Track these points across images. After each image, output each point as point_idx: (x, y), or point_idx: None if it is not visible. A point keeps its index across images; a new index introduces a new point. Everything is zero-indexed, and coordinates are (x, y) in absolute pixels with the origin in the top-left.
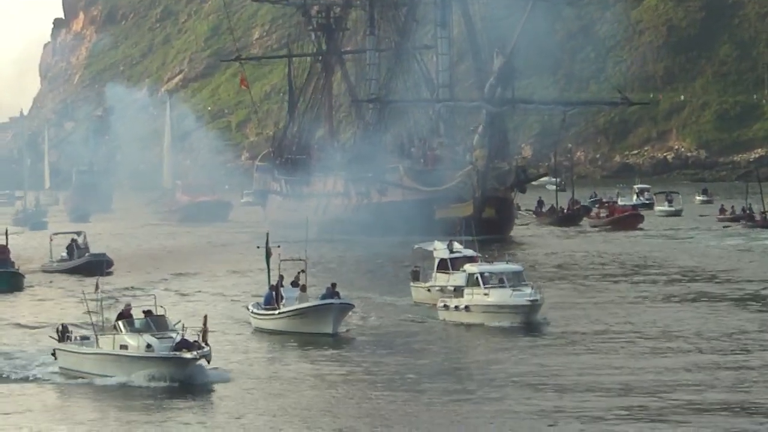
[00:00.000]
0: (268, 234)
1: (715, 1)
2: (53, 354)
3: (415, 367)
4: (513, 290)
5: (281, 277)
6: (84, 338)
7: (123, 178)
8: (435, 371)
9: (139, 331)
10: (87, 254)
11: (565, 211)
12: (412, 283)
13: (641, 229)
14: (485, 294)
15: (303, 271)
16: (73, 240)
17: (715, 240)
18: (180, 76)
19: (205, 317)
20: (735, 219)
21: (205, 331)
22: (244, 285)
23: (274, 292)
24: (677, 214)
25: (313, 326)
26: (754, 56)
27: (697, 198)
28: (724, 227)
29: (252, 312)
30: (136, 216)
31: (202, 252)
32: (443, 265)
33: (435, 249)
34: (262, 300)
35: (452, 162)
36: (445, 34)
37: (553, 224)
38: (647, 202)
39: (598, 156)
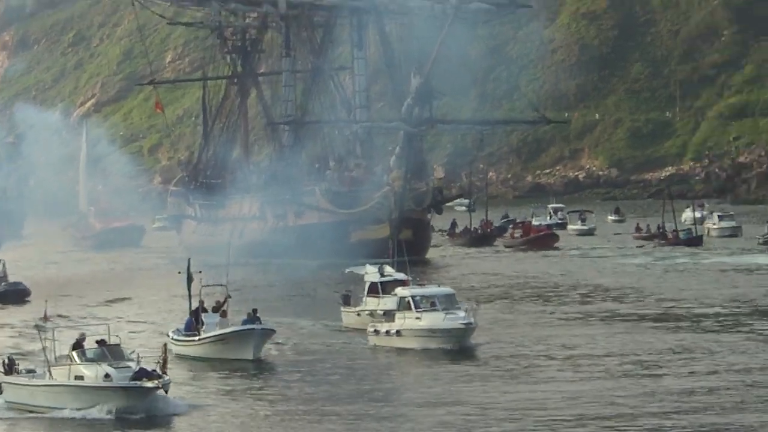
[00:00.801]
0: (189, 260)
1: (627, 19)
2: None
3: (333, 390)
4: (446, 314)
5: (201, 303)
6: (30, 371)
7: (36, 203)
8: (352, 395)
9: (94, 361)
10: (3, 284)
11: (479, 231)
12: (342, 308)
13: (557, 248)
14: (417, 318)
15: (229, 296)
16: None
17: (629, 259)
18: (93, 100)
19: (165, 346)
20: (650, 237)
21: (165, 360)
22: (166, 311)
23: (194, 318)
24: (590, 233)
25: (234, 352)
26: (666, 74)
27: (609, 217)
28: (638, 246)
29: (172, 338)
30: (49, 242)
31: (121, 278)
32: (374, 289)
33: (366, 272)
34: (182, 326)
35: (370, 183)
36: (362, 55)
37: (466, 245)
38: (561, 221)
39: (510, 176)
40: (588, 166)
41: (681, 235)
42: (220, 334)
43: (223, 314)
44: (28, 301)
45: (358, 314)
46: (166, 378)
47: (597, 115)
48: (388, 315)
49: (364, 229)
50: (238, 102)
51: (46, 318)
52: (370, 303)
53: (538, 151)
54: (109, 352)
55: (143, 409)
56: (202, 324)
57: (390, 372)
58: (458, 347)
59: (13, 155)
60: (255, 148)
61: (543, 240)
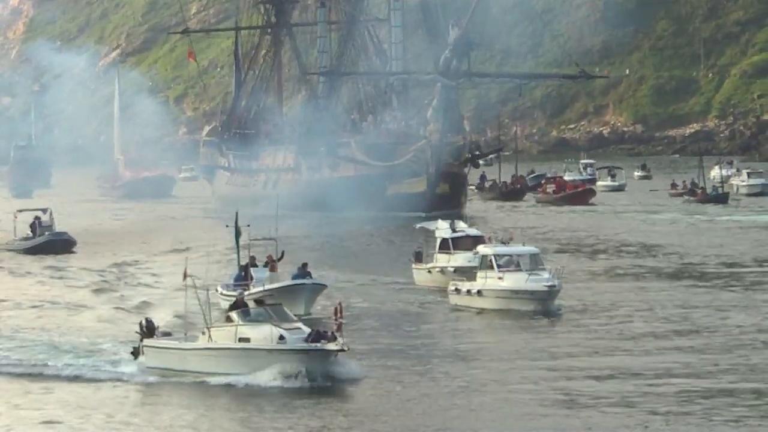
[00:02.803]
0: (237, 213)
1: None
2: (134, 352)
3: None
4: (529, 274)
5: (252, 258)
6: (166, 334)
7: (62, 153)
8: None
9: (259, 322)
10: (47, 233)
11: (509, 185)
12: (414, 265)
13: (592, 204)
14: (499, 278)
15: (283, 252)
16: (36, 218)
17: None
18: (118, 51)
19: (340, 305)
20: (688, 193)
21: (340, 322)
22: (215, 264)
23: (243, 273)
24: (620, 189)
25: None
26: (691, 32)
27: (636, 173)
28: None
29: (221, 293)
30: (77, 192)
31: (161, 229)
32: (445, 245)
33: (437, 228)
34: (230, 280)
35: (406, 136)
36: (398, 6)
37: (496, 199)
38: (590, 177)
39: (534, 131)
40: (613, 122)
41: (709, 192)
42: (270, 289)
43: (273, 268)
44: (74, 252)
45: (429, 271)
46: (343, 340)
47: (627, 71)
48: (460, 272)
49: (400, 182)
50: (272, 52)
51: (185, 276)
52: (441, 260)
53: (562, 106)
54: (273, 312)
55: (321, 374)
56: (252, 279)
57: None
58: (542, 310)
59: (38, 104)
60: (290, 99)
61: (580, 195)
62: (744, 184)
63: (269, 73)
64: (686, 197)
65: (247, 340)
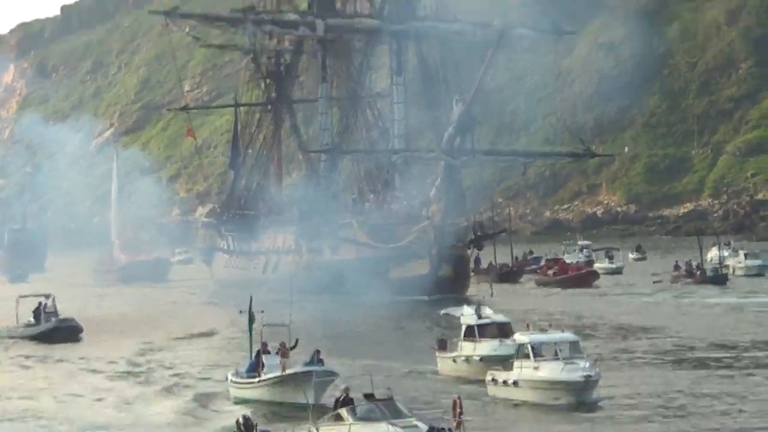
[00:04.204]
0: (251, 298)
1: (645, 50)
2: None
3: None
4: (566, 363)
5: (264, 344)
6: (264, 431)
7: (56, 234)
8: None
9: (370, 420)
10: (54, 319)
11: (508, 267)
12: (437, 353)
13: (597, 287)
14: (535, 367)
15: (297, 340)
16: (40, 303)
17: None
18: (111, 130)
19: (459, 399)
20: (685, 275)
21: (460, 419)
22: (227, 350)
23: (257, 360)
24: (618, 271)
25: (294, 395)
26: (684, 107)
27: (630, 255)
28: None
29: (231, 381)
30: (72, 275)
31: (166, 315)
32: (470, 333)
33: (462, 314)
34: (242, 368)
35: (408, 217)
36: (401, 81)
37: (493, 281)
38: (588, 259)
39: (528, 211)
40: (606, 202)
41: (708, 273)
42: (279, 376)
43: (284, 354)
44: (80, 339)
45: (454, 360)
46: None
47: (626, 149)
48: (486, 361)
49: (403, 265)
50: (272, 129)
51: (284, 368)
52: (466, 348)
53: (555, 186)
54: (386, 408)
55: None
56: (263, 366)
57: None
58: (578, 401)
59: (31, 185)
60: (289, 178)
61: (584, 278)
62: (741, 265)
63: (269, 151)
64: (684, 279)
65: None
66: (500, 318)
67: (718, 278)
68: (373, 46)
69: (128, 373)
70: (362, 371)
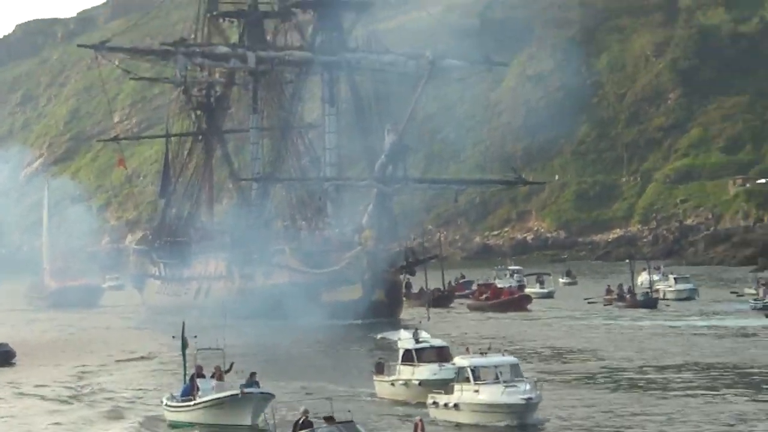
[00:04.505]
0: (183, 323)
1: (574, 80)
2: None
3: None
4: (506, 386)
5: (199, 368)
6: None
7: None
8: None
9: None
10: None
11: (441, 291)
12: (375, 377)
13: (529, 310)
14: (475, 390)
15: (232, 364)
16: None
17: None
18: (41, 160)
19: (421, 422)
20: (617, 299)
21: None
22: (163, 374)
23: (191, 384)
24: (549, 296)
25: (232, 417)
26: (613, 136)
27: (561, 280)
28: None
29: (166, 405)
30: (2, 301)
31: (100, 339)
32: (408, 357)
33: (400, 339)
34: (177, 392)
35: (340, 243)
36: (333, 111)
37: (423, 306)
38: (519, 283)
39: (458, 237)
40: (536, 228)
41: (639, 297)
42: (216, 399)
43: (220, 377)
44: (13, 363)
45: (392, 384)
46: None
47: (557, 176)
48: (425, 385)
49: (335, 289)
50: (203, 159)
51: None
52: (405, 372)
53: (485, 212)
54: (345, 430)
55: None
56: (198, 390)
57: None
58: (518, 424)
59: None
60: (220, 206)
61: (517, 302)
62: (671, 289)
63: (200, 179)
64: (615, 303)
65: None
66: (438, 342)
67: (649, 302)
68: (305, 77)
69: (68, 397)
70: (301, 394)
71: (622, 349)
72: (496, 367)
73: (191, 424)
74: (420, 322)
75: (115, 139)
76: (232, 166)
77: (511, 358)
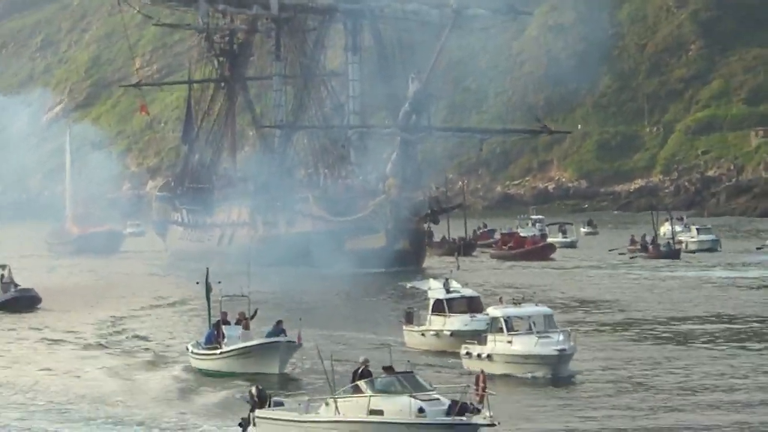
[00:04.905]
0: (208, 269)
1: (595, 31)
2: (242, 424)
3: None
4: (539, 337)
5: (224, 314)
6: (278, 403)
7: (5, 208)
8: None
9: (391, 392)
10: (13, 289)
11: (468, 241)
12: (405, 327)
13: (552, 259)
14: (508, 341)
15: (257, 310)
16: None
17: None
18: (61, 106)
19: (483, 373)
20: (640, 249)
21: (483, 393)
22: (188, 321)
23: (216, 331)
24: (572, 245)
25: (258, 366)
26: (634, 87)
27: (582, 229)
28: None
29: (192, 352)
30: (24, 247)
31: (125, 285)
32: (439, 307)
33: (430, 288)
34: (202, 339)
35: (364, 191)
36: (356, 59)
37: (445, 254)
38: (541, 233)
39: (479, 187)
40: (557, 178)
41: (662, 248)
42: (244, 348)
43: (246, 326)
44: (39, 309)
45: (423, 334)
46: (490, 413)
47: (579, 126)
48: (457, 336)
49: (359, 238)
50: (226, 106)
51: (299, 340)
52: (436, 322)
53: (506, 162)
54: (406, 380)
55: None
56: (224, 337)
57: None
58: (552, 376)
59: None
60: (242, 153)
61: (540, 251)
62: (693, 240)
63: (223, 126)
64: (638, 253)
65: (380, 412)
66: (469, 292)
67: (672, 252)
68: (328, 25)
69: (104, 343)
70: (328, 342)
71: (645, 300)
72: (529, 317)
73: (219, 373)
74: (451, 272)
75: (137, 85)
76: (255, 114)
77: (545, 309)
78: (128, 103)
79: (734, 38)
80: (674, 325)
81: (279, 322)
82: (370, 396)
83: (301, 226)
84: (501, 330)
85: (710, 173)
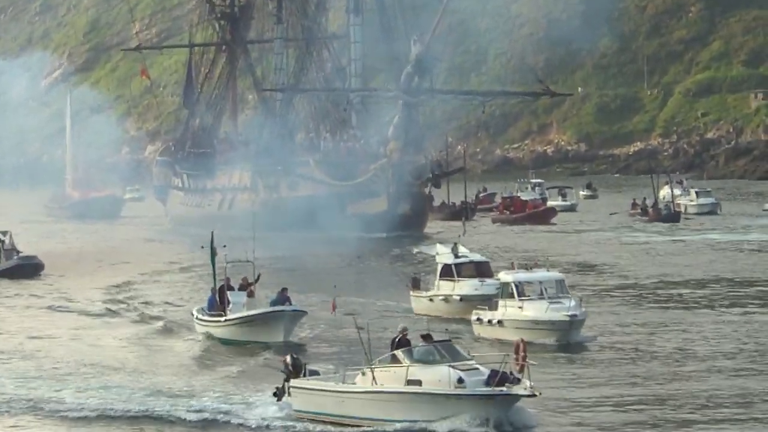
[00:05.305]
0: (213, 233)
1: None
2: (276, 393)
3: None
4: (550, 303)
5: (227, 280)
6: (313, 372)
7: (4, 172)
8: None
9: (429, 362)
10: (15, 257)
11: (463, 204)
12: (411, 292)
13: (553, 223)
14: (519, 307)
15: (260, 275)
16: (0, 241)
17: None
18: (60, 70)
19: (523, 342)
20: (640, 213)
21: (524, 360)
22: (189, 286)
23: (217, 296)
24: (572, 209)
25: (263, 334)
26: (634, 49)
27: (581, 192)
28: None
29: (196, 318)
30: (23, 212)
31: (128, 251)
32: (447, 272)
33: (437, 253)
34: (205, 304)
35: (365, 155)
36: (358, 22)
37: (445, 219)
38: (542, 196)
39: (478, 150)
40: (556, 141)
41: (662, 211)
42: (248, 316)
43: (250, 293)
44: (42, 276)
45: (431, 299)
46: (528, 382)
47: (580, 89)
48: (466, 300)
49: (361, 202)
50: (227, 70)
51: (334, 308)
52: (444, 287)
53: (505, 125)
54: (445, 350)
55: (505, 422)
56: (229, 303)
57: None
58: (563, 342)
59: None
60: (244, 117)
61: (542, 215)
62: (693, 203)
63: (223, 90)
64: (638, 217)
65: (418, 382)
66: (478, 257)
67: (672, 216)
68: None
69: (114, 311)
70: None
71: (645, 263)
72: (540, 282)
73: (223, 340)
74: (459, 236)
75: (138, 48)
76: (256, 77)
77: (556, 274)
78: (127, 67)
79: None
80: (674, 288)
81: (284, 290)
82: (408, 366)
83: (303, 190)
84: (512, 295)
85: (709, 135)
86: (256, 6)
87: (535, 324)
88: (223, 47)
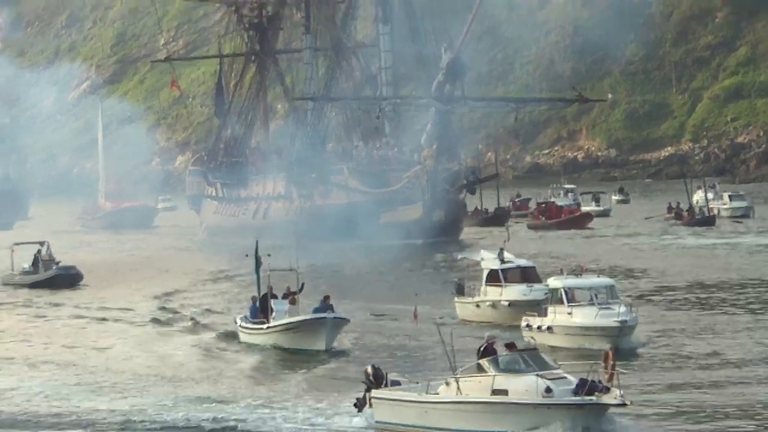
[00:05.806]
0: (257, 242)
1: (620, 0)
2: (357, 404)
3: None
4: (600, 309)
5: (270, 288)
6: (395, 383)
7: (36, 185)
8: None
9: (515, 371)
10: (54, 267)
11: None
12: (456, 298)
13: (590, 228)
14: (569, 313)
15: (303, 284)
16: (39, 251)
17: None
18: (88, 82)
19: (612, 350)
20: (674, 217)
21: (613, 369)
22: (232, 295)
23: (262, 305)
24: (606, 214)
25: (305, 342)
26: (661, 56)
27: (613, 197)
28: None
29: (240, 325)
30: (57, 223)
31: (167, 260)
32: (494, 277)
33: (482, 259)
34: (248, 313)
35: (399, 162)
36: (387, 30)
37: (479, 225)
38: (575, 202)
39: (508, 156)
40: (587, 147)
41: (697, 215)
42: (290, 323)
43: (293, 301)
44: (81, 286)
45: (477, 305)
46: (618, 391)
47: (610, 95)
48: (515, 306)
49: (394, 209)
50: (257, 80)
51: (415, 317)
52: (491, 293)
53: (534, 132)
54: (531, 359)
55: None
56: (272, 311)
57: None
58: (613, 348)
59: (9, 136)
60: (274, 126)
61: (578, 220)
62: (726, 207)
63: (254, 100)
64: (673, 220)
65: (504, 392)
66: (524, 262)
67: (707, 220)
68: None
69: (164, 321)
70: (376, 317)
71: (683, 267)
72: (590, 288)
73: (266, 348)
74: (504, 242)
75: (168, 59)
76: (286, 87)
77: (606, 280)
78: (155, 78)
79: (760, 4)
80: (715, 291)
81: (326, 298)
82: (494, 375)
83: (337, 198)
84: (561, 301)
85: (740, 140)
86: (284, 16)
87: (585, 330)
88: (253, 57)
